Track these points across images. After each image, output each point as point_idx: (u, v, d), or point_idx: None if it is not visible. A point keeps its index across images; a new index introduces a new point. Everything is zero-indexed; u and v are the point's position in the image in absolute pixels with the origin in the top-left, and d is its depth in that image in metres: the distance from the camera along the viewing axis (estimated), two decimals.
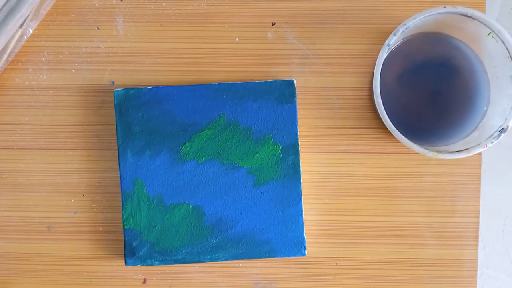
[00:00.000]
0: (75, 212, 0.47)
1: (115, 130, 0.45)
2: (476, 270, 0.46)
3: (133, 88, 0.44)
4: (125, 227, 0.44)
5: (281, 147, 0.44)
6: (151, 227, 0.44)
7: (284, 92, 0.44)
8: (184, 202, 0.44)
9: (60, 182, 0.47)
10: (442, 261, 0.46)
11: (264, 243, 0.44)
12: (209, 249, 0.44)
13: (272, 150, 0.44)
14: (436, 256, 0.46)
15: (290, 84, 0.44)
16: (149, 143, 0.44)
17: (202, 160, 0.44)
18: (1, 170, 0.47)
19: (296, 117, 0.44)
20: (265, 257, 0.44)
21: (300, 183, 0.44)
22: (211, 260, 0.44)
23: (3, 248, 0.47)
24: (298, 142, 0.44)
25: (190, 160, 0.44)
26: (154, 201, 0.44)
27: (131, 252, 0.44)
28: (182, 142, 0.44)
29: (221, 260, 0.44)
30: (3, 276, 0.47)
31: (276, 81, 0.44)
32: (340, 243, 0.46)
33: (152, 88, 0.44)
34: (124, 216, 0.44)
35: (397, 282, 0.46)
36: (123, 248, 0.46)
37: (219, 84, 0.44)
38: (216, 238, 0.44)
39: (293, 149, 0.44)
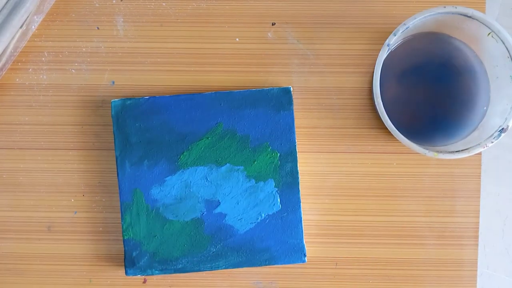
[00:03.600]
0: (75, 212, 0.47)
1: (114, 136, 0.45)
2: (476, 270, 0.46)
3: (130, 99, 0.44)
4: (125, 237, 0.44)
5: (279, 154, 0.44)
6: (150, 237, 0.44)
7: (281, 99, 0.44)
8: (184, 211, 0.44)
9: (60, 182, 0.47)
10: (442, 261, 0.46)
11: (264, 251, 0.44)
12: (209, 257, 0.44)
13: (270, 157, 0.44)
14: (436, 256, 0.46)
15: (287, 91, 0.44)
16: (147, 153, 0.44)
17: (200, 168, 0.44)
18: (1, 170, 0.47)
19: (293, 124, 0.44)
20: (265, 265, 0.44)
21: (299, 190, 0.44)
22: (211, 268, 0.44)
23: (3, 248, 0.47)
24: (296, 149, 0.44)
25: (189, 169, 0.44)
26: (153, 211, 0.44)
27: (131, 262, 0.44)
28: (180, 152, 0.44)
29: (221, 269, 0.44)
30: (3, 276, 0.47)
31: (273, 88, 0.44)
32: (340, 243, 0.46)
33: (149, 98, 0.44)
34: (124, 227, 0.44)
35: (397, 282, 0.46)
36: (123, 248, 0.46)
37: (215, 92, 0.44)
38: (216, 247, 0.44)
39: (291, 157, 0.44)
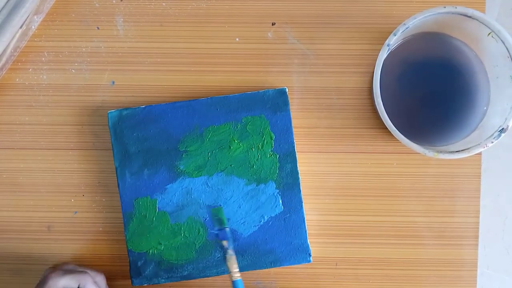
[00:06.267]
0: (75, 212, 0.47)
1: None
2: (476, 270, 0.46)
3: (126, 109, 0.44)
4: (129, 248, 0.44)
5: (278, 156, 0.44)
6: (154, 245, 0.44)
7: (277, 101, 0.44)
8: (187, 217, 0.44)
9: (60, 182, 0.47)
10: (442, 261, 0.46)
11: (269, 253, 0.44)
12: (214, 263, 0.44)
13: (269, 159, 0.44)
14: (436, 256, 0.46)
15: (282, 92, 0.44)
16: (146, 162, 0.44)
17: (200, 174, 0.44)
18: (1, 170, 0.47)
19: (291, 125, 0.44)
20: (271, 267, 0.44)
21: (300, 190, 0.44)
22: (217, 274, 0.44)
23: (4, 248, 0.47)
24: (295, 150, 0.44)
25: (188, 175, 0.44)
26: (156, 220, 0.44)
27: (137, 272, 0.44)
28: (179, 159, 0.44)
29: (227, 273, 0.44)
30: (4, 276, 0.47)
31: (268, 90, 0.44)
32: (340, 243, 0.46)
33: (146, 107, 0.44)
34: (127, 237, 0.44)
35: (397, 282, 0.46)
36: (122, 248, 0.46)
37: (211, 98, 0.44)
38: (221, 252, 0.44)
39: (290, 157, 0.44)
